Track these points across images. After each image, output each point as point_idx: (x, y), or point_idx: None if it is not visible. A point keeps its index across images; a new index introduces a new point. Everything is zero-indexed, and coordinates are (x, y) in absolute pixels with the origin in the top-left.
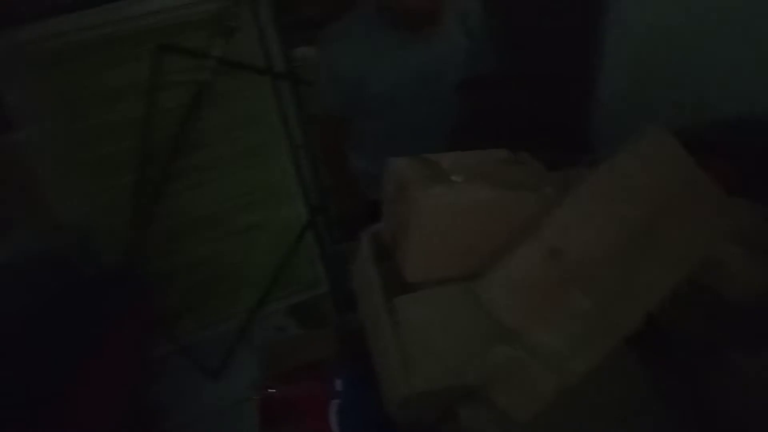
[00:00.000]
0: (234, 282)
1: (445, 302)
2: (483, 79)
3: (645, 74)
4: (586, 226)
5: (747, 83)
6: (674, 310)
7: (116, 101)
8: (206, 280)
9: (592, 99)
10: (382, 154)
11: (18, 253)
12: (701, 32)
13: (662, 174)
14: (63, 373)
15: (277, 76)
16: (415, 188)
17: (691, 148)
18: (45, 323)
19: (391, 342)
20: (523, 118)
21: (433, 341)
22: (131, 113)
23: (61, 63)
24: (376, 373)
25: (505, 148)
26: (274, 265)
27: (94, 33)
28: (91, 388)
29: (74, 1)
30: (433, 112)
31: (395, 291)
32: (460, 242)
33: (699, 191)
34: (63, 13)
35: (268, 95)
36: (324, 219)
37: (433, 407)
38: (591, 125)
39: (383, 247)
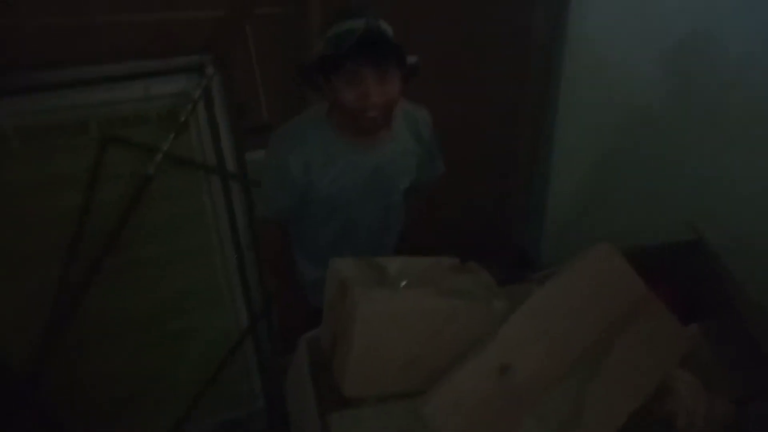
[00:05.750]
0: (158, 396)
1: (386, 422)
2: (426, 185)
3: (591, 197)
4: (536, 344)
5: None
6: None
7: (51, 192)
8: (126, 393)
9: (537, 215)
10: (328, 260)
11: None
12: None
13: (610, 292)
14: None
15: (228, 177)
16: (357, 291)
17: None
18: None
19: None
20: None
21: None
22: (64, 205)
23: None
24: None
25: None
26: (206, 376)
27: (37, 118)
28: None
29: (23, 85)
30: (381, 216)
31: (331, 406)
32: (403, 353)
33: (651, 313)
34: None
35: (212, 194)
36: (265, 327)
37: None
38: (537, 242)
39: (321, 357)
